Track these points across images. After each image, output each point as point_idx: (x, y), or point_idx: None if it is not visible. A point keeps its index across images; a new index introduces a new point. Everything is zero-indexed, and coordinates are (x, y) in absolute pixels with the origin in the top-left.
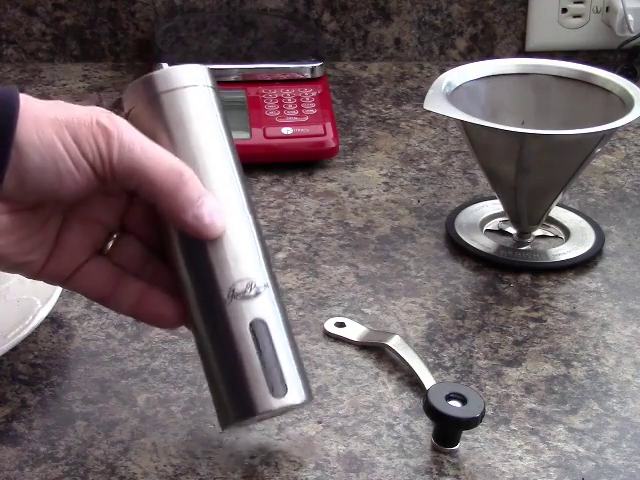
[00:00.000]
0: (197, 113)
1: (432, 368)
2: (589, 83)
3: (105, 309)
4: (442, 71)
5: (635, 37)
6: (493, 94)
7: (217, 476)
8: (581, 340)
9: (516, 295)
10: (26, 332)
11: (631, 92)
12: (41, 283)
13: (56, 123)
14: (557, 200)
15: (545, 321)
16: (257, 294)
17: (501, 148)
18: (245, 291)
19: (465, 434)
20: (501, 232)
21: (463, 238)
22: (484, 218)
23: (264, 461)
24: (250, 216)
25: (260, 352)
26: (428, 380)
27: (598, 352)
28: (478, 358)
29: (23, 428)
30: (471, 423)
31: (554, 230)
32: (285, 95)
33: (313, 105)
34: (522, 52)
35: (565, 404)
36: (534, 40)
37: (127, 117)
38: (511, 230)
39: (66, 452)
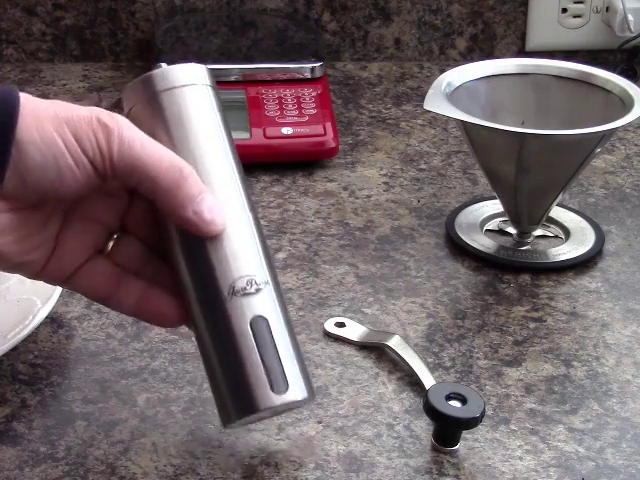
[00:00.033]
0: (196, 111)
1: (432, 368)
2: (589, 83)
3: (105, 309)
4: (442, 71)
5: (635, 37)
6: (493, 94)
7: (217, 476)
8: (581, 340)
9: (516, 295)
10: (26, 332)
11: (631, 92)
12: (41, 283)
13: (56, 120)
14: (557, 200)
15: (545, 321)
16: (257, 291)
17: (501, 148)
18: (245, 288)
19: (465, 434)
20: (501, 232)
21: (463, 238)
22: (484, 218)
23: (264, 461)
24: (250, 214)
25: (261, 349)
26: (428, 380)
27: (598, 352)
28: (478, 358)
29: (23, 428)
30: (471, 423)
31: (554, 230)
32: (285, 95)
33: (313, 105)
34: (522, 52)
35: (565, 404)
36: (534, 40)
37: (127, 116)
38: (511, 230)
39: (66, 452)
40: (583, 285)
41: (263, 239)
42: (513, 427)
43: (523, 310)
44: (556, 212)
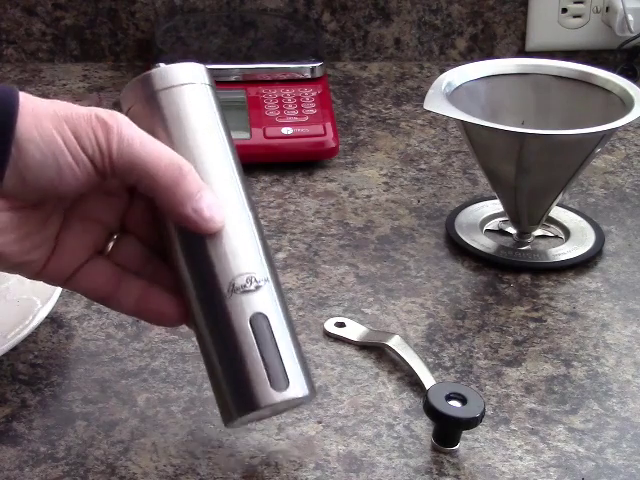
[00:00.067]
0: (195, 110)
1: (432, 368)
2: (589, 83)
3: (105, 309)
4: (442, 71)
5: (635, 37)
6: (493, 94)
7: (217, 476)
8: (581, 340)
9: (516, 295)
10: (26, 332)
11: (631, 92)
12: (41, 283)
13: (55, 118)
14: (557, 200)
15: (545, 321)
16: (257, 288)
17: (501, 148)
18: (245, 285)
19: (465, 434)
20: (501, 232)
21: (463, 238)
22: (484, 218)
23: (264, 461)
24: (249, 211)
25: (261, 346)
26: (428, 380)
27: (598, 352)
28: (478, 358)
29: (23, 428)
30: (471, 423)
31: (554, 230)
32: (285, 95)
33: (313, 105)
34: (522, 52)
35: (565, 404)
36: (534, 40)
37: (126, 115)
38: (511, 230)
39: (66, 452)
40: (583, 285)
41: (263, 237)
42: (513, 427)
43: (523, 310)
44: (556, 212)
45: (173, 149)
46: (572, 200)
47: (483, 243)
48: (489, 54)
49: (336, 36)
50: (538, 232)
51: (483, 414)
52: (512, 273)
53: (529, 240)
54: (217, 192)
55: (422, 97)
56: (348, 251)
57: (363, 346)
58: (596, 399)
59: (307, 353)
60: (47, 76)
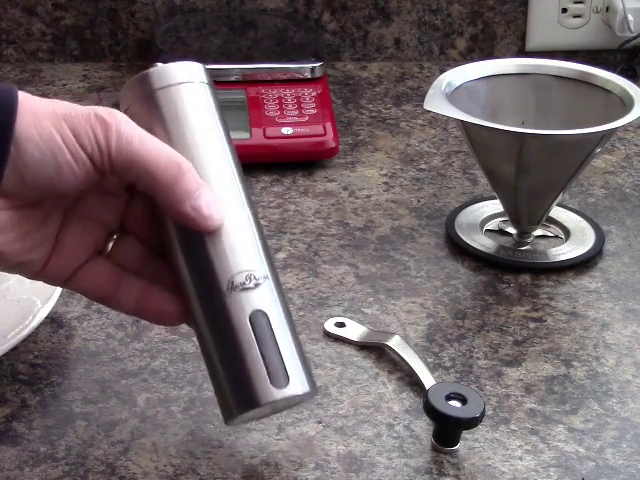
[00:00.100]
0: (193, 109)
1: (432, 368)
2: (589, 83)
3: (105, 309)
4: (442, 71)
5: (635, 37)
6: (493, 94)
7: (217, 476)
8: (581, 340)
9: (516, 295)
10: (26, 332)
11: (631, 92)
12: (41, 283)
13: (54, 116)
14: (557, 200)
15: (545, 321)
16: (257, 286)
17: (501, 148)
18: (244, 283)
19: (465, 434)
20: (501, 232)
21: (463, 238)
22: (484, 218)
23: (264, 461)
24: (248, 209)
25: (260, 343)
26: (428, 380)
27: (598, 352)
28: (478, 358)
29: (23, 428)
30: (471, 423)
31: (554, 230)
32: (285, 95)
33: (313, 105)
34: (522, 52)
35: (565, 404)
36: (534, 40)
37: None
38: (511, 230)
39: (66, 452)
40: (583, 285)
41: (262, 234)
42: (513, 427)
43: (523, 310)
44: (556, 212)
45: (172, 147)
46: (572, 200)
47: (483, 243)
48: (489, 54)
49: (336, 36)
50: (538, 232)
51: (483, 414)
52: (512, 273)
53: (529, 240)
54: (216, 190)
55: (422, 97)
56: (348, 251)
57: (363, 346)
58: (596, 399)
59: (307, 353)
60: (47, 76)
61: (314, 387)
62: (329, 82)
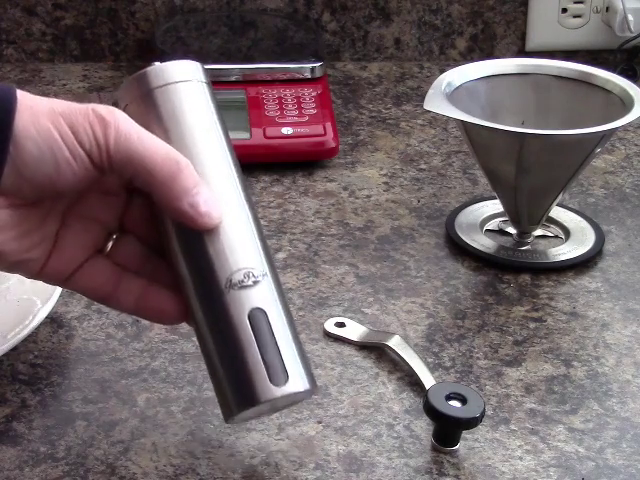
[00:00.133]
0: (190, 107)
1: (432, 368)
2: (589, 83)
3: (105, 309)
4: (442, 71)
5: (635, 37)
6: (493, 94)
7: (217, 476)
8: (581, 340)
9: (516, 295)
10: (26, 332)
11: (631, 92)
12: (41, 283)
13: (52, 114)
14: (557, 200)
15: (545, 321)
16: (255, 283)
17: (501, 148)
18: (243, 281)
19: (465, 434)
20: (501, 232)
21: (463, 238)
22: (484, 218)
23: (264, 461)
24: (247, 207)
25: (259, 341)
26: (428, 380)
27: (598, 352)
28: (478, 358)
29: (23, 428)
30: (471, 423)
31: (554, 230)
32: (285, 95)
33: (313, 105)
34: (522, 52)
35: (565, 404)
36: (534, 40)
37: None
38: (511, 230)
39: (66, 452)
40: (583, 285)
41: (261, 232)
42: (513, 427)
43: (523, 310)
44: (556, 212)
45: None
46: (572, 200)
47: (483, 243)
48: (489, 54)
49: (336, 36)
50: (538, 232)
51: (483, 414)
52: (512, 273)
53: (529, 240)
54: (214, 188)
55: (422, 97)
56: (348, 251)
57: (363, 346)
58: (596, 399)
59: (307, 353)
60: (47, 76)
61: (314, 385)
62: (329, 82)
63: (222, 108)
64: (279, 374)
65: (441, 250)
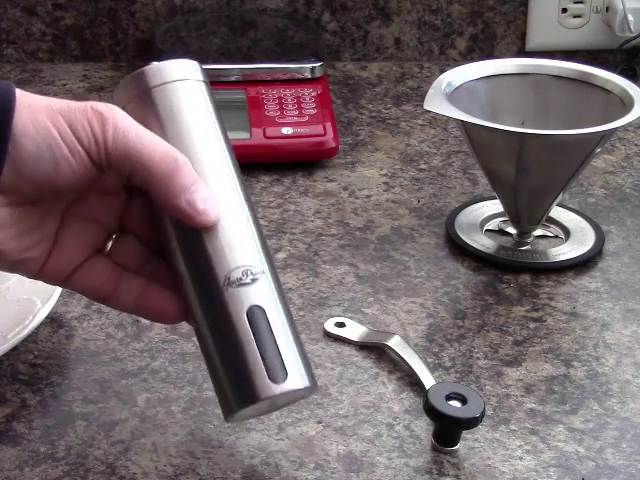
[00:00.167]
0: (188, 106)
1: (432, 368)
2: (589, 83)
3: (105, 309)
4: (442, 71)
5: (635, 37)
6: (493, 94)
7: (217, 476)
8: (581, 340)
9: (516, 295)
10: (26, 332)
11: (631, 92)
12: (41, 283)
13: (51, 111)
14: (557, 200)
15: (545, 321)
16: (254, 281)
17: (501, 148)
18: (241, 278)
19: (465, 434)
20: (501, 232)
21: (463, 238)
22: (484, 218)
23: (264, 461)
24: (245, 205)
25: (258, 339)
26: (428, 380)
27: (598, 352)
28: (478, 358)
29: (23, 428)
30: (471, 423)
31: (554, 230)
32: (285, 95)
33: (313, 105)
34: (522, 52)
35: (565, 404)
36: (534, 40)
37: None
38: (511, 230)
39: (66, 452)
40: (583, 285)
41: (260, 230)
42: (513, 427)
43: (523, 310)
44: (556, 212)
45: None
46: (572, 200)
47: (483, 243)
48: (489, 54)
49: (336, 36)
50: (538, 232)
51: (483, 414)
52: (512, 273)
53: (529, 240)
54: (212, 186)
55: (422, 97)
56: (348, 251)
57: (363, 346)
58: (596, 399)
59: (307, 353)
60: (47, 76)
61: (314, 383)
62: (329, 82)
63: (222, 108)
64: (278, 371)
65: (441, 250)
